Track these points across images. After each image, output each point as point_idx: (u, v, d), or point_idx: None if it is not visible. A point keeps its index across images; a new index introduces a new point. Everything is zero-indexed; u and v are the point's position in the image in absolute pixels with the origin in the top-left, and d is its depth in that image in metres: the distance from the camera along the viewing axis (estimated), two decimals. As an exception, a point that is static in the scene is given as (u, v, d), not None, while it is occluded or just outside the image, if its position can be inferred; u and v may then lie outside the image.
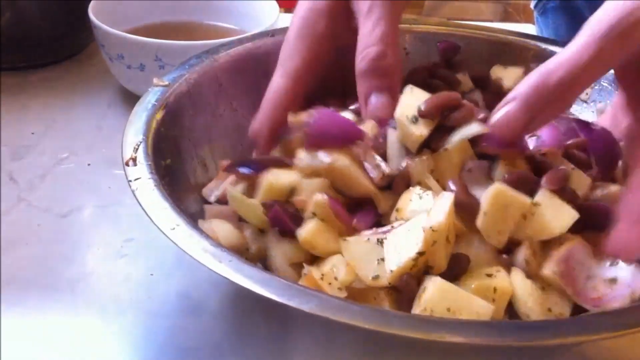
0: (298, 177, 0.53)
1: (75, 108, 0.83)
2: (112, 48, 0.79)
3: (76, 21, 0.88)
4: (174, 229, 0.48)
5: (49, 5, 0.87)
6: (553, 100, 0.47)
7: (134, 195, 0.50)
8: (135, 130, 0.57)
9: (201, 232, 0.48)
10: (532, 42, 0.72)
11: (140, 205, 0.49)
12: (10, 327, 0.55)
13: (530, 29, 1.05)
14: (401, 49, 0.73)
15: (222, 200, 0.58)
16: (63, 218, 0.66)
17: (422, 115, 0.51)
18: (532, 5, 1.02)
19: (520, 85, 0.48)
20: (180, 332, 0.55)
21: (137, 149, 0.55)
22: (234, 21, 0.89)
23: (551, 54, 0.69)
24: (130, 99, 0.76)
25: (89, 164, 0.73)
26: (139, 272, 0.60)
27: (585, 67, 0.45)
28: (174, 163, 0.58)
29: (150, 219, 0.48)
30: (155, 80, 0.62)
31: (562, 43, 0.72)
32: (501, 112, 0.48)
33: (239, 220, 0.55)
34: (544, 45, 0.72)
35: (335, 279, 0.49)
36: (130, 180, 0.52)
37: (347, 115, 0.59)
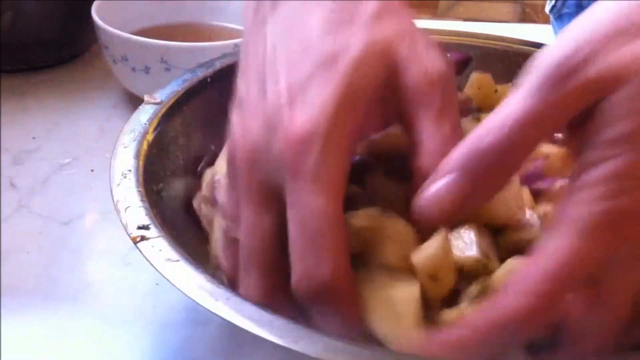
0: None
1: (78, 112, 0.83)
2: (116, 50, 0.79)
3: (79, 22, 0.89)
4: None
5: (50, 5, 0.87)
6: (492, 168, 0.40)
7: (123, 225, 0.49)
8: (124, 152, 0.56)
9: (196, 265, 0.46)
10: None
11: (130, 237, 0.48)
12: (11, 337, 0.55)
13: (548, 30, 1.06)
14: None
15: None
16: (65, 225, 0.67)
17: None
18: (547, 9, 1.02)
19: (451, 156, 0.41)
20: (189, 343, 0.55)
21: (126, 175, 0.53)
22: (242, 22, 0.89)
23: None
24: (135, 102, 0.77)
25: (92, 170, 0.74)
26: (144, 282, 0.60)
27: (520, 127, 0.39)
28: (166, 188, 0.57)
29: (141, 252, 0.47)
30: (146, 98, 0.61)
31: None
32: (434, 187, 0.41)
33: None
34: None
35: None
36: (119, 211, 0.50)
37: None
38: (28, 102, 0.84)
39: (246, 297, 0.45)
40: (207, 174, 0.59)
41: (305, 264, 0.42)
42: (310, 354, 0.41)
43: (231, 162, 0.47)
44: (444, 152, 0.42)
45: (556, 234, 0.38)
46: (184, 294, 0.45)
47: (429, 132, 0.44)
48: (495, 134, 0.39)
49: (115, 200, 0.52)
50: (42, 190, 0.71)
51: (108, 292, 0.60)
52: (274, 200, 0.44)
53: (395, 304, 0.44)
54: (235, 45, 0.76)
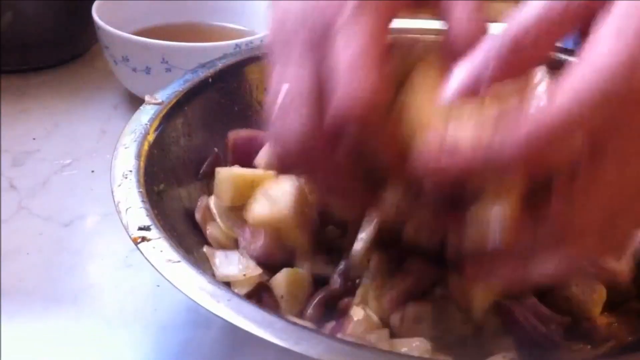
0: None
1: (78, 112, 0.83)
2: (116, 50, 0.79)
3: (79, 22, 0.89)
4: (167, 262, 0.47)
5: (51, 5, 0.87)
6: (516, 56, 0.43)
7: (124, 226, 0.50)
8: (125, 153, 0.56)
9: (198, 267, 0.47)
10: (556, 53, 0.71)
11: (130, 238, 0.49)
12: (11, 340, 0.55)
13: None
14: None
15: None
16: (65, 227, 0.67)
17: None
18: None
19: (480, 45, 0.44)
20: (190, 345, 0.55)
21: (127, 176, 0.54)
22: (244, 22, 0.90)
23: (567, 64, 0.68)
24: (135, 102, 0.77)
25: (92, 171, 0.74)
26: (145, 283, 0.60)
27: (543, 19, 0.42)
28: (167, 189, 0.57)
29: (142, 253, 0.48)
30: (147, 98, 0.61)
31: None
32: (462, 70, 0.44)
33: None
34: (563, 56, 0.71)
35: None
36: (120, 212, 0.51)
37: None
38: (28, 103, 0.84)
39: (283, 137, 0.45)
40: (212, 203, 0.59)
41: (343, 90, 0.43)
42: (312, 356, 0.41)
43: (274, 38, 0.48)
44: (472, 28, 0.47)
45: (556, 97, 0.40)
46: (186, 295, 0.45)
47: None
48: (517, 27, 0.42)
49: (116, 201, 0.52)
50: (43, 191, 0.71)
51: (109, 293, 0.60)
52: (315, 54, 0.45)
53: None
54: (236, 45, 0.76)
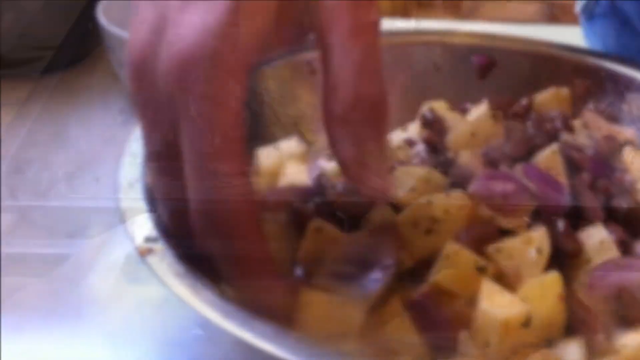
0: None
1: (82, 118, 0.84)
2: (122, 53, 0.79)
3: (83, 23, 0.89)
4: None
5: (53, 5, 0.88)
6: None
7: (129, 237, 0.50)
8: (132, 158, 0.56)
9: (207, 280, 0.47)
10: (579, 55, 0.70)
11: (137, 250, 0.49)
12: (11, 358, 0.55)
13: (578, 32, 1.05)
14: (431, 62, 0.73)
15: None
16: (69, 237, 0.67)
17: None
18: (577, 9, 1.02)
19: None
20: (200, 363, 0.55)
21: (133, 184, 0.54)
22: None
23: (600, 69, 0.68)
24: (142, 107, 0.77)
25: (97, 179, 0.74)
26: (152, 298, 0.60)
27: None
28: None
29: (149, 265, 0.48)
30: None
31: (613, 57, 0.71)
32: None
33: None
34: (592, 60, 0.70)
35: None
36: (125, 221, 0.51)
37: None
38: (30, 108, 0.85)
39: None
40: None
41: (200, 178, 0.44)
42: None
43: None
44: (355, 83, 0.43)
45: None
46: (195, 310, 0.45)
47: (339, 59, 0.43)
48: None
49: (121, 211, 0.52)
50: (45, 200, 0.71)
51: (114, 308, 0.60)
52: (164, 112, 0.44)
53: None
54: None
